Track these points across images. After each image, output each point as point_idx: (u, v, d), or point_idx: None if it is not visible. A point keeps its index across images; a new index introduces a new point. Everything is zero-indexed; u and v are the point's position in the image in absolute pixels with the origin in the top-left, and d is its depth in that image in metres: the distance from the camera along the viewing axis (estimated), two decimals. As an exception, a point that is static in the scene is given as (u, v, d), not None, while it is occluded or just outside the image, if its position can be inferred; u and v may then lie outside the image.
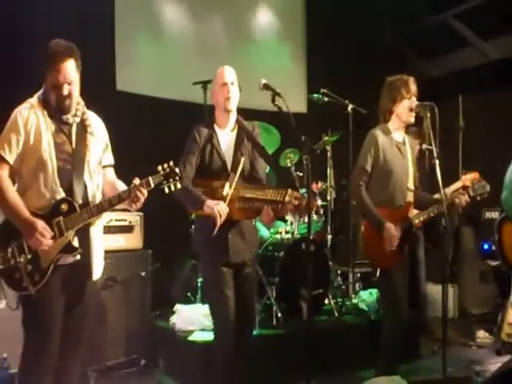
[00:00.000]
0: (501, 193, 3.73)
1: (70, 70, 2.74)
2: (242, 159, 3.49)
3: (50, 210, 2.71)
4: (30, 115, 2.73)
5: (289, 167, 5.55)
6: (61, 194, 2.74)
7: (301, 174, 5.43)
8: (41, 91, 2.83)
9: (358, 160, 3.90)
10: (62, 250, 2.72)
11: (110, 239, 4.51)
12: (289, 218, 5.36)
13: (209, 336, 3.86)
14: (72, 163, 2.79)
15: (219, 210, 3.26)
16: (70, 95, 2.76)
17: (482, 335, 5.37)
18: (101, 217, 2.88)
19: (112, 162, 3.04)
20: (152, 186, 2.79)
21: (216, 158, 3.49)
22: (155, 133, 5.61)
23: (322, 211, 5.62)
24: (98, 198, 2.88)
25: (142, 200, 2.79)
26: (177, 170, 2.83)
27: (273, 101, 3.32)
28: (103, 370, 4.35)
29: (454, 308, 6.51)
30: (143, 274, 4.66)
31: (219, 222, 3.27)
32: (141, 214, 4.77)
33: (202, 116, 4.40)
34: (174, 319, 4.69)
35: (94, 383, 4.24)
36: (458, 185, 5.37)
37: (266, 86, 3.39)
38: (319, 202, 5.52)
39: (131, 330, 4.55)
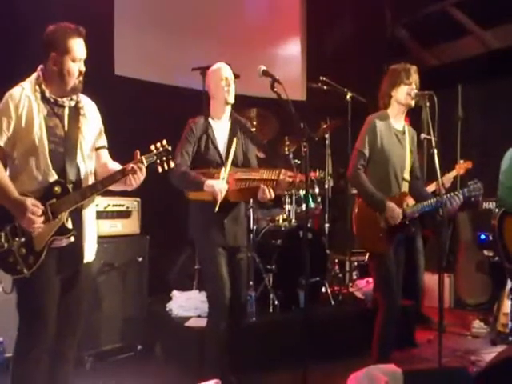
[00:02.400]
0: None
1: (83, 48, 2.79)
2: (234, 141, 3.68)
3: (43, 193, 2.69)
4: (21, 98, 2.71)
5: (287, 154, 5.53)
6: (53, 177, 2.72)
7: (299, 162, 5.42)
8: (36, 74, 2.80)
9: (356, 144, 3.88)
10: (56, 232, 2.70)
11: (107, 224, 4.51)
12: (286, 206, 5.36)
13: (205, 322, 3.87)
14: (64, 146, 2.78)
15: (220, 187, 3.44)
16: (81, 73, 2.79)
17: (477, 325, 5.38)
18: (94, 199, 2.89)
19: (105, 143, 3.02)
20: (145, 164, 2.78)
21: (211, 148, 3.68)
22: (153, 117, 5.58)
23: (319, 199, 5.62)
24: (92, 181, 2.86)
25: (142, 178, 2.78)
26: (169, 148, 2.83)
27: (272, 87, 3.32)
28: (100, 355, 4.37)
29: (450, 298, 6.55)
30: (140, 259, 4.66)
31: (220, 198, 3.44)
32: (138, 199, 4.76)
33: (201, 103, 4.37)
34: (170, 305, 4.71)
35: (90, 367, 4.26)
36: (453, 173, 5.39)
37: (265, 73, 3.39)
38: (317, 190, 5.54)
39: (128, 315, 4.55)
